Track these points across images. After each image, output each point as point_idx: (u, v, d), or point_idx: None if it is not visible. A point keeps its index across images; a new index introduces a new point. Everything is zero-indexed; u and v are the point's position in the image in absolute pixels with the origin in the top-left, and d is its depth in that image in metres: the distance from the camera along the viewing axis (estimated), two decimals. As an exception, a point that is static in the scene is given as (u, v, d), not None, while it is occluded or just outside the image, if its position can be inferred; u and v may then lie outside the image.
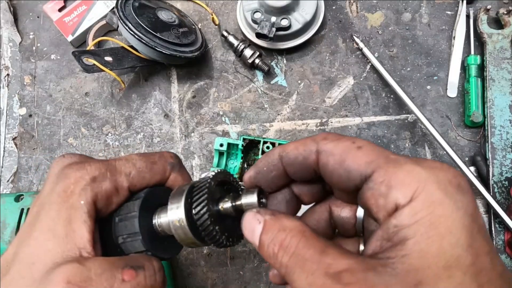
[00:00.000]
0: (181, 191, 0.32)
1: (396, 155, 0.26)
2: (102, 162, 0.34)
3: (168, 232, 0.33)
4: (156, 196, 0.34)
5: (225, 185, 0.33)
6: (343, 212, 0.31)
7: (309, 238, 0.25)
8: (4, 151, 0.67)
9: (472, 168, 0.60)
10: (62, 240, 0.30)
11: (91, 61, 0.60)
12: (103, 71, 0.60)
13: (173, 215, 0.31)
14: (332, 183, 0.28)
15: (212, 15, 0.68)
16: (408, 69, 0.66)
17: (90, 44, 0.65)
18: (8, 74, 0.69)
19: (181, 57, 0.61)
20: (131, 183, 0.34)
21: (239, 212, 0.31)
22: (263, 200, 0.31)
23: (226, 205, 0.31)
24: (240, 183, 0.35)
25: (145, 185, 0.35)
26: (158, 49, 0.59)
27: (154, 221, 0.33)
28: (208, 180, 0.31)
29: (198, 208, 0.30)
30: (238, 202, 0.31)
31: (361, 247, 0.32)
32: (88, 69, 0.60)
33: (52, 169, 0.34)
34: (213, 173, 0.32)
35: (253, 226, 0.28)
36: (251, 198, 0.30)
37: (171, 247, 0.35)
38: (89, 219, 0.31)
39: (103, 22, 0.67)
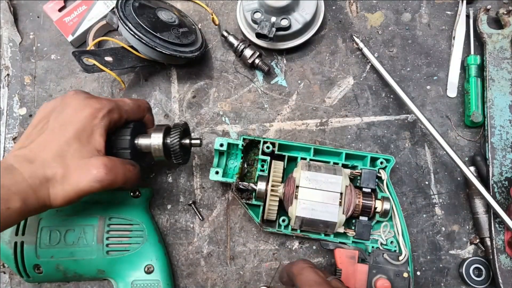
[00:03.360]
0: (161, 128, 0.53)
1: None
2: (110, 100, 0.50)
3: (145, 150, 0.53)
4: (137, 127, 0.53)
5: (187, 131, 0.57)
6: None
7: None
8: (4, 151, 0.67)
9: (472, 168, 0.60)
10: (84, 142, 0.46)
11: (91, 61, 0.60)
12: (103, 71, 0.60)
13: (154, 141, 0.52)
14: None
15: (212, 15, 0.68)
16: (408, 69, 0.66)
17: (90, 44, 0.65)
18: (8, 74, 0.69)
19: (181, 57, 0.61)
20: (128, 117, 0.52)
21: (188, 146, 0.55)
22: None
23: (184, 141, 0.55)
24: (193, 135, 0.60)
25: (133, 119, 0.53)
26: (158, 49, 0.59)
27: (136, 142, 0.53)
28: (181, 124, 0.55)
29: (173, 139, 0.52)
30: (183, 141, 0.54)
31: None
32: (88, 69, 0.60)
33: (69, 98, 0.48)
34: (182, 123, 0.55)
35: None
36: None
37: (143, 159, 0.54)
38: (104, 133, 0.48)
39: (103, 22, 0.68)
